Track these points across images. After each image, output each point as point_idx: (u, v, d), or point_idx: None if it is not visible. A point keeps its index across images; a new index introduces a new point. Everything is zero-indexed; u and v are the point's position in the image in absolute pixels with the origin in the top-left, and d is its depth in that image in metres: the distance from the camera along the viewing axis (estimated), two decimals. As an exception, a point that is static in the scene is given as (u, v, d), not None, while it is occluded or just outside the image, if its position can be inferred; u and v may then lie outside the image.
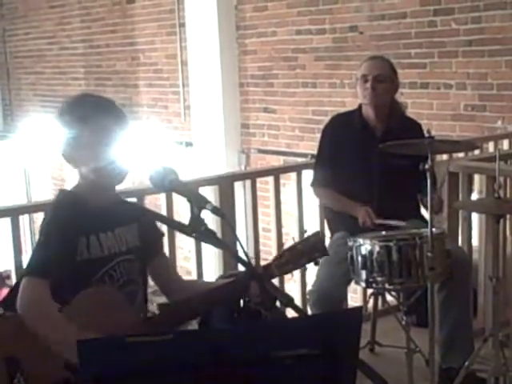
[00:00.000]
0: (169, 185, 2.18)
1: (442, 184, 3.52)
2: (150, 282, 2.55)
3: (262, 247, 4.18)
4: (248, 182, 4.25)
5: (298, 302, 3.99)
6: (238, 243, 2.08)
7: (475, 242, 3.84)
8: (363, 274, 3.08)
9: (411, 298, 3.25)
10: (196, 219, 2.08)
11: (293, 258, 2.32)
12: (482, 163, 3.69)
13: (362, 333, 1.66)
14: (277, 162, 7.13)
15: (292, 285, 4.33)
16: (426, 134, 3.03)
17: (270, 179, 4.18)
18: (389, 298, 3.61)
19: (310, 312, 3.35)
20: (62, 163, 2.39)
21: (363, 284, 3.16)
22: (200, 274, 3.90)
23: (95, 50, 9.65)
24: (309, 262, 2.34)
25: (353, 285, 3.37)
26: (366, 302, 3.97)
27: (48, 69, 10.69)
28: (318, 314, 2.93)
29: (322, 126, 3.75)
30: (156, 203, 3.95)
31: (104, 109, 2.30)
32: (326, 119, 3.80)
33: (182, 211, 2.57)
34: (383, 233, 3.25)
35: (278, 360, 1.53)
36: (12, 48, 11.48)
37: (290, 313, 2.16)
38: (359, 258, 3.08)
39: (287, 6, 6.98)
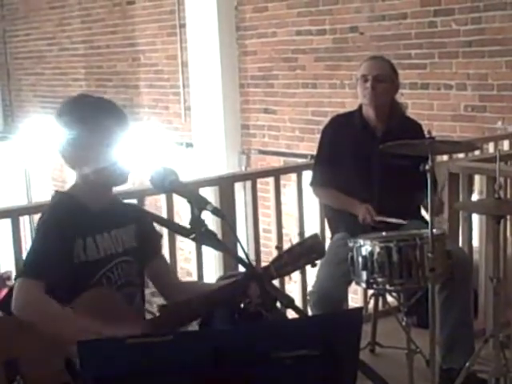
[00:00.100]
0: (169, 185, 2.18)
1: (442, 188, 3.52)
2: (150, 283, 2.55)
3: (262, 248, 4.19)
4: (248, 183, 4.26)
5: (298, 302, 3.99)
6: (238, 244, 2.08)
7: (476, 242, 3.84)
8: (364, 274, 3.08)
9: (412, 299, 3.24)
10: (196, 220, 2.08)
11: (291, 259, 2.32)
12: (482, 164, 3.69)
13: (363, 334, 1.66)
14: (277, 162, 7.13)
15: (292, 286, 4.33)
16: (427, 135, 3.03)
17: (271, 180, 4.18)
18: (389, 298, 3.61)
19: (310, 313, 3.35)
20: (62, 164, 2.38)
21: (364, 285, 3.15)
22: (200, 275, 3.90)
23: (96, 51, 9.65)
24: (307, 263, 2.36)
25: (353, 286, 3.37)
26: (366, 302, 3.97)
27: (48, 70, 10.69)
28: (318, 315, 2.93)
29: (322, 127, 3.75)
30: (156, 204, 3.95)
31: (104, 109, 2.30)
32: (326, 120, 3.80)
33: (183, 212, 2.57)
34: (383, 233, 3.25)
35: (279, 361, 1.53)
36: (12, 49, 11.48)
37: (291, 314, 2.17)
38: (360, 259, 3.07)
39: (287, 7, 6.98)
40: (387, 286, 3.10)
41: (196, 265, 3.90)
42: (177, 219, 3.97)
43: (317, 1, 6.68)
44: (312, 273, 3.30)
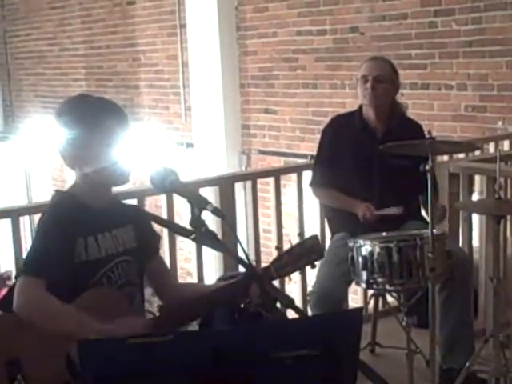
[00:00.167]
0: (169, 186, 2.18)
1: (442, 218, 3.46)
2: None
3: (262, 248, 4.19)
4: (248, 183, 4.26)
5: (298, 303, 3.99)
6: (238, 244, 2.08)
7: (476, 242, 3.84)
8: (364, 274, 3.08)
9: (412, 299, 3.25)
10: (196, 220, 2.08)
11: (291, 260, 2.33)
12: (482, 164, 3.69)
13: (363, 334, 1.66)
14: (277, 162, 7.13)
15: (292, 286, 4.33)
16: (427, 135, 3.03)
17: (271, 180, 4.18)
18: (389, 298, 3.61)
19: (310, 313, 3.35)
20: (62, 164, 2.38)
21: (364, 285, 3.15)
22: (200, 275, 3.90)
23: (96, 51, 9.65)
24: (307, 264, 2.36)
25: (353, 286, 3.37)
26: (366, 302, 3.98)
27: (49, 70, 10.69)
28: (318, 315, 2.93)
29: (322, 127, 3.75)
30: (157, 204, 3.95)
31: (104, 109, 2.30)
32: (327, 120, 3.80)
33: (183, 212, 2.57)
34: (384, 234, 3.25)
35: (279, 361, 1.54)
36: (13, 49, 11.48)
37: (291, 314, 2.16)
38: (360, 259, 3.07)
39: (288, 7, 6.98)
40: (387, 286, 3.10)
41: (196, 265, 3.90)
42: (177, 219, 3.97)
43: (317, 1, 6.68)
44: (312, 273, 3.30)
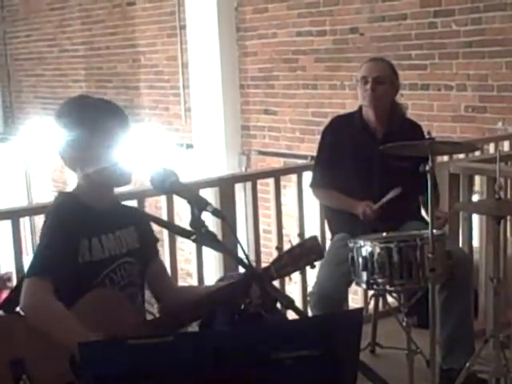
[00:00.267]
0: (169, 187, 2.18)
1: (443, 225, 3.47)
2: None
3: (262, 249, 4.18)
4: (248, 184, 4.25)
5: (298, 303, 3.99)
6: (238, 245, 2.08)
7: (476, 243, 3.85)
8: (364, 275, 3.08)
9: (412, 300, 3.24)
10: (197, 221, 2.08)
11: (291, 260, 2.33)
12: (482, 164, 3.69)
13: (363, 334, 1.66)
14: (277, 163, 7.13)
15: (292, 286, 4.33)
16: (427, 136, 3.04)
17: (271, 181, 4.18)
18: (390, 299, 3.61)
19: (310, 313, 3.35)
20: (62, 165, 2.38)
21: (364, 285, 3.16)
22: (201, 275, 3.90)
23: (96, 52, 9.65)
24: (307, 264, 2.37)
25: (353, 286, 3.37)
26: (366, 303, 3.98)
27: (49, 71, 10.69)
28: (318, 316, 2.93)
29: (322, 128, 3.75)
30: (157, 205, 3.95)
31: (104, 110, 2.30)
32: (327, 121, 3.81)
33: (183, 213, 2.57)
34: (384, 234, 3.25)
35: (279, 361, 1.54)
36: (13, 50, 11.49)
37: (291, 314, 2.17)
38: (360, 260, 3.08)
39: (287, 8, 6.98)
40: (387, 287, 3.10)
41: (196, 266, 3.90)
42: (177, 220, 3.97)
43: (317, 2, 6.68)
44: (312, 273, 3.30)
